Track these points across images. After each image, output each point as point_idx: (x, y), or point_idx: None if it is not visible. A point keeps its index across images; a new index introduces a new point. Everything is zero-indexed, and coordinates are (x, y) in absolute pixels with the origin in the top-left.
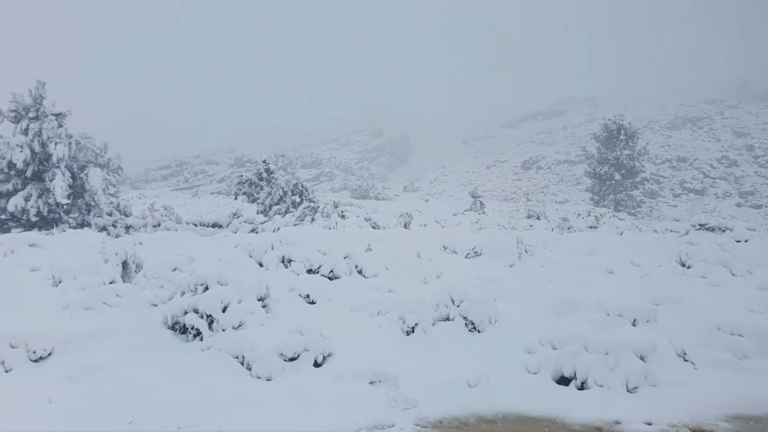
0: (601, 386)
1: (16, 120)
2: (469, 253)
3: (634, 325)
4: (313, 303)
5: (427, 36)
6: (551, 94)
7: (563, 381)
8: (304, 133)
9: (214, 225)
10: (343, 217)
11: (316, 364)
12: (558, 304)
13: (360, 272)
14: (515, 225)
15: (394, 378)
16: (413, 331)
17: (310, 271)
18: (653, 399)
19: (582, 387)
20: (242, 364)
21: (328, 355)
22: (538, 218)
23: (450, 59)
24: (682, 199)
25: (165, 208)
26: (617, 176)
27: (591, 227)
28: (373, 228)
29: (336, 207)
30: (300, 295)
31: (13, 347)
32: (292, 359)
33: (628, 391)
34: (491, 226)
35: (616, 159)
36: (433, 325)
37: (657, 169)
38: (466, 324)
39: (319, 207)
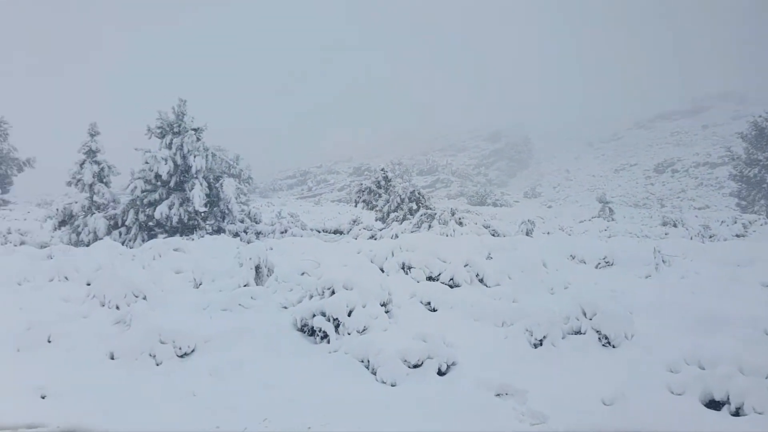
0: (761, 413)
1: (161, 135)
2: (599, 263)
3: None
4: (434, 310)
5: (548, 36)
6: (687, 91)
7: (713, 405)
8: (419, 140)
9: (336, 231)
10: (460, 224)
11: (440, 373)
12: (703, 320)
13: (481, 281)
14: (648, 233)
15: (522, 391)
16: (541, 344)
17: (430, 278)
18: None
19: (737, 413)
20: (367, 368)
21: (452, 364)
22: (675, 225)
23: (572, 59)
24: None
25: (291, 216)
26: None
27: (738, 236)
28: (493, 235)
29: (453, 214)
30: (421, 302)
31: (162, 343)
32: (415, 366)
33: None
34: (621, 234)
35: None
36: (562, 338)
37: None
38: (599, 338)
39: (436, 214)
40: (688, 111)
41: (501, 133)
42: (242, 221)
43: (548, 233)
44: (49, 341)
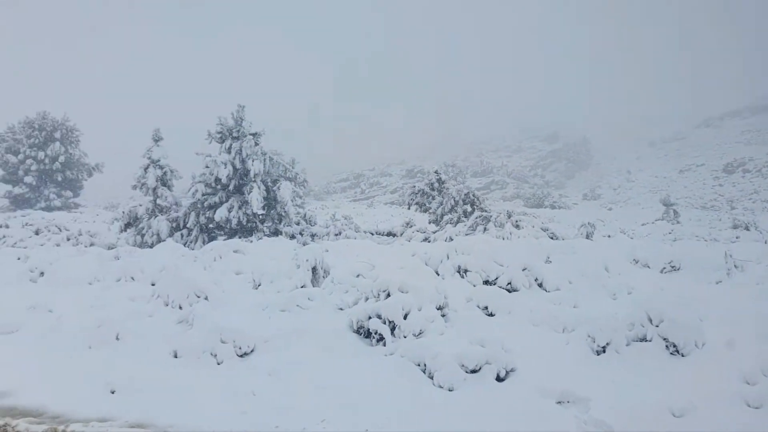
0: None
1: (221, 140)
2: (664, 268)
3: None
4: (491, 315)
5: (599, 34)
6: (758, 86)
7: None
8: (473, 142)
9: (389, 234)
10: (517, 226)
11: (499, 378)
12: None
13: (540, 285)
14: (717, 236)
15: (584, 399)
16: (604, 351)
17: (486, 282)
18: None
19: None
20: (424, 371)
21: (511, 370)
22: (747, 228)
23: (632, 56)
24: None
25: (345, 218)
26: None
27: None
28: (551, 238)
29: (510, 216)
30: (478, 306)
31: (223, 342)
32: (473, 371)
33: None
34: (688, 237)
35: None
36: (627, 345)
37: None
38: (666, 346)
39: (491, 216)
40: (761, 107)
41: (559, 133)
42: (298, 223)
43: (609, 236)
44: (117, 339)
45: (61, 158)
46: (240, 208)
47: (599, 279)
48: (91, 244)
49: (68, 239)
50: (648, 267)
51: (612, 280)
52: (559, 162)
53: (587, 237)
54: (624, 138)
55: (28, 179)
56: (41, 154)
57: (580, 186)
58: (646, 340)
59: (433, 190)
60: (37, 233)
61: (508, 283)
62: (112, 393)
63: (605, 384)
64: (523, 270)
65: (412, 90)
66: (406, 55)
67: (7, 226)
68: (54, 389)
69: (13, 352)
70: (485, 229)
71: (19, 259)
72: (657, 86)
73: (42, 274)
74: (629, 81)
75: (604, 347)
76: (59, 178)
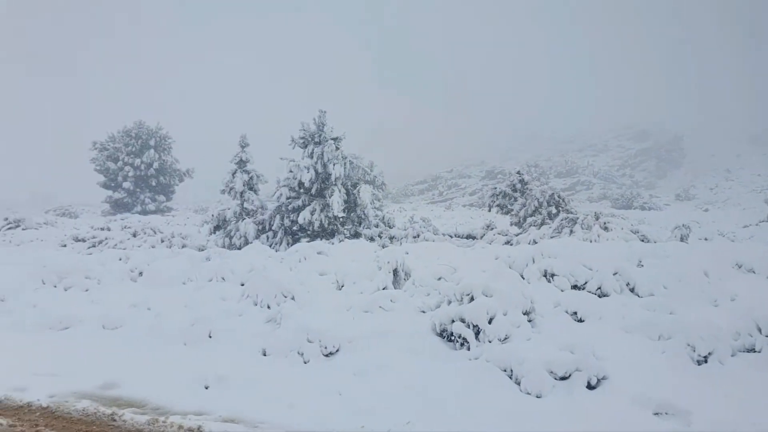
0: None
1: (304, 145)
2: None
3: None
4: (581, 321)
5: (699, 27)
6: None
7: None
8: (555, 141)
9: (468, 236)
10: (605, 229)
11: (590, 386)
12: None
13: (632, 290)
14: None
15: (685, 411)
16: (705, 361)
17: (575, 287)
18: None
19: None
20: (510, 377)
21: (603, 378)
22: None
23: (730, 49)
24: None
25: (423, 220)
26: None
27: None
28: (642, 241)
29: (597, 218)
30: (566, 312)
31: (309, 342)
32: (562, 378)
33: None
34: None
35: None
36: (732, 355)
37: None
38: None
39: (578, 218)
40: None
41: (648, 131)
42: (377, 226)
43: (706, 239)
44: (210, 336)
45: (156, 164)
46: (322, 211)
47: (697, 284)
48: (183, 246)
49: (162, 241)
50: (753, 272)
51: (712, 286)
52: (650, 161)
53: (682, 240)
54: (721, 135)
55: (126, 185)
56: (137, 161)
57: (673, 186)
58: (755, 351)
59: (515, 191)
60: (134, 235)
61: (598, 288)
62: (206, 388)
63: (707, 396)
64: (615, 274)
65: (487, 89)
66: (481, 54)
67: (108, 229)
68: (154, 382)
69: (118, 347)
70: (571, 231)
71: (120, 260)
72: (756, 80)
73: (141, 274)
74: (724, 75)
75: (705, 357)
76: (153, 183)
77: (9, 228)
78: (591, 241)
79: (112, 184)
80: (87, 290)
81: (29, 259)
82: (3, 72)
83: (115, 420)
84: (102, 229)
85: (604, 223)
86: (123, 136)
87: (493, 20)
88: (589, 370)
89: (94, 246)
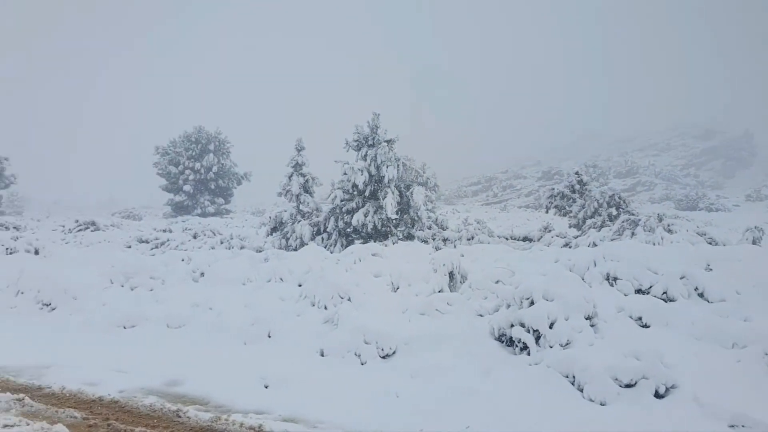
0: None
1: (357, 148)
2: None
3: None
4: (646, 326)
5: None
6: None
7: None
8: (614, 140)
9: (525, 239)
10: (669, 231)
11: (657, 395)
12: None
13: (701, 295)
14: None
15: (764, 424)
16: None
17: (638, 291)
18: None
19: None
20: (572, 383)
21: (672, 386)
22: None
23: None
24: None
25: (477, 222)
26: None
27: None
28: (710, 244)
29: (661, 220)
30: (630, 317)
31: (366, 343)
32: (628, 385)
33: None
34: None
35: None
36: None
37: None
38: None
39: (640, 220)
40: None
41: (714, 129)
42: (430, 228)
43: None
44: (269, 336)
45: (215, 168)
46: (375, 213)
47: None
48: (242, 247)
49: (221, 242)
50: None
51: None
52: (716, 160)
53: (754, 242)
54: None
55: (186, 188)
56: (197, 165)
57: (742, 186)
58: None
59: (573, 192)
60: (194, 237)
61: (664, 293)
62: (266, 387)
63: None
64: (681, 278)
65: (540, 90)
66: (535, 52)
67: (170, 231)
68: (216, 381)
69: (181, 345)
70: (633, 233)
71: (182, 260)
72: None
73: (202, 274)
74: None
75: None
76: (213, 187)
77: (79, 230)
78: (654, 244)
79: (174, 188)
80: (152, 290)
81: (98, 259)
82: (67, 81)
83: (180, 416)
84: (164, 230)
85: (668, 225)
86: (184, 140)
87: (545, 19)
88: (656, 378)
89: (156, 247)
